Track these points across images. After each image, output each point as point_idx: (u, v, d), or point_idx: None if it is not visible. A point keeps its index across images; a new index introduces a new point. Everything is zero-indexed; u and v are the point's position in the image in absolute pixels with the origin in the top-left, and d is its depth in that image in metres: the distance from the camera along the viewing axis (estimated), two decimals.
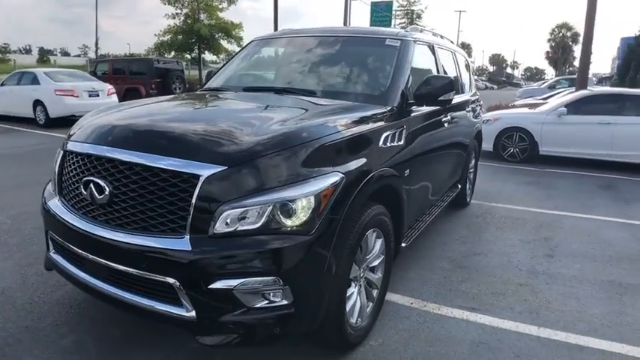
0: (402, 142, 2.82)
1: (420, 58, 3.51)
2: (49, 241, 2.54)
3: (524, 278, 3.59)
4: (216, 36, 17.18)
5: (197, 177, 1.88)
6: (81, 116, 3.16)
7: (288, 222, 1.90)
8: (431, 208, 3.92)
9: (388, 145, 2.64)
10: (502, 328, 2.86)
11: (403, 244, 3.06)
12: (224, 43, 17.96)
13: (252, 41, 4.12)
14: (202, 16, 17.06)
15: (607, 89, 8.97)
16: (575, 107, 8.09)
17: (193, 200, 1.87)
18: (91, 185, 2.09)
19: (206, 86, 3.78)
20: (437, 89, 3.00)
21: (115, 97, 12.55)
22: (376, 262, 2.64)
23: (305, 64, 3.49)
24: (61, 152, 2.48)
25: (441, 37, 4.56)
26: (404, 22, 52.96)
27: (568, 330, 2.86)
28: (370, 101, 2.90)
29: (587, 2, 12.54)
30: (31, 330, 2.68)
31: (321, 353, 2.50)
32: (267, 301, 1.91)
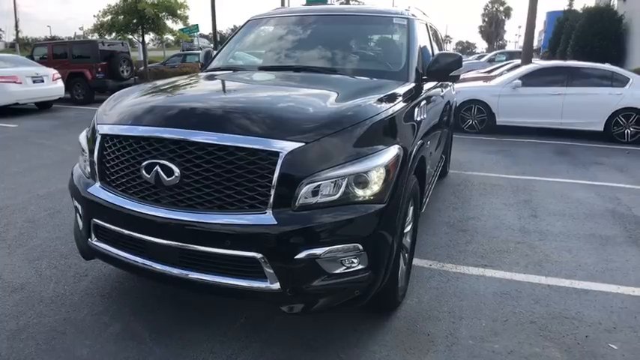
0: (424, 116, 3.02)
1: (421, 36, 3.70)
2: (92, 230, 2.46)
3: (519, 237, 3.97)
4: (161, 15, 16.35)
5: (277, 154, 1.96)
6: (25, 104, 3.05)
7: (363, 192, 2.03)
8: (433, 177, 4.19)
9: (419, 118, 2.84)
10: (516, 280, 3.20)
11: (422, 211, 3.29)
12: (169, 23, 17.17)
13: (249, 20, 4.10)
14: None
15: (557, 62, 9.70)
16: (528, 79, 8.71)
17: (275, 176, 1.94)
18: (157, 168, 2.07)
19: (212, 66, 3.71)
20: (448, 65, 3.19)
21: (60, 83, 11.76)
22: (408, 228, 2.85)
23: (317, 42, 3.55)
24: (99, 137, 2.40)
25: (423, 13, 4.77)
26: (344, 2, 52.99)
27: (571, 277, 3.25)
28: (391, 78, 3.05)
29: None
30: (71, 322, 2.64)
31: (366, 316, 2.68)
32: (345, 267, 2.05)
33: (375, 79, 2.98)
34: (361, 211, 2.02)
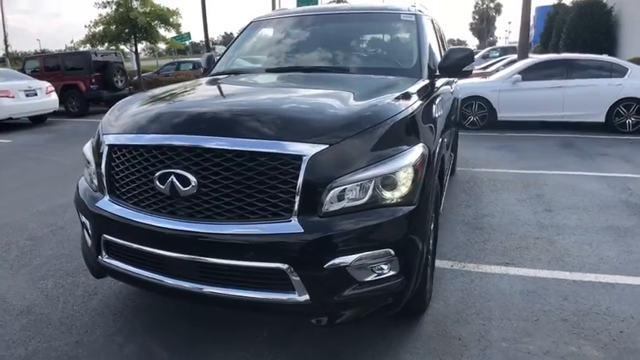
0: (440, 113, 2.94)
1: (429, 32, 3.62)
2: (102, 246, 2.33)
3: (536, 232, 3.88)
4: (153, 24, 16.23)
5: (300, 157, 1.85)
6: (18, 119, 2.94)
7: (391, 194, 1.93)
8: (447, 175, 4.11)
9: (436, 115, 2.75)
10: (540, 277, 3.11)
11: (440, 209, 3.20)
12: (161, 31, 17.04)
13: (252, 22, 4.00)
14: (135, 4, 16.04)
15: (556, 55, 9.67)
16: (528, 74, 8.66)
17: (300, 182, 1.84)
18: (173, 178, 1.96)
19: (216, 71, 3.61)
20: (460, 60, 3.11)
21: (54, 95, 11.59)
22: (430, 228, 2.76)
23: (324, 42, 3.47)
24: (106, 148, 2.28)
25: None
26: (332, 1, 53.13)
27: (595, 272, 3.17)
28: (404, 75, 2.96)
29: None
30: (83, 344, 2.52)
31: (394, 322, 2.58)
32: (375, 274, 1.95)
33: (388, 77, 2.89)
34: (391, 214, 1.92)
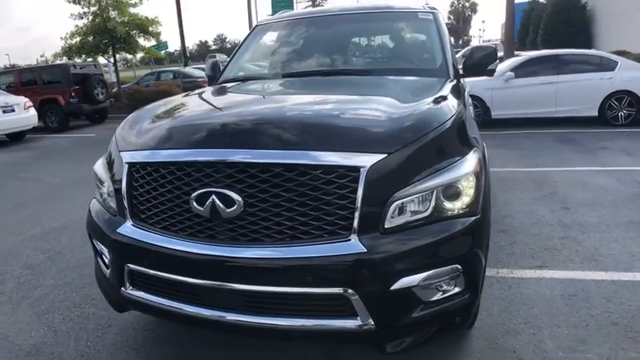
0: (472, 114, 2.82)
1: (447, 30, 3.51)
2: (126, 277, 2.08)
3: (560, 231, 3.80)
4: (132, 33, 15.85)
5: (357, 169, 1.68)
6: None
7: (453, 205, 1.78)
8: None
9: (473, 116, 2.62)
10: (578, 279, 3.00)
11: None
12: (141, 40, 16.66)
13: (257, 26, 3.82)
14: (113, 14, 15.64)
15: (546, 52, 9.73)
16: (520, 71, 8.69)
17: (359, 195, 1.66)
18: (214, 198, 1.76)
19: (226, 77, 3.40)
20: (484, 58, 3.00)
21: (33, 111, 11.15)
22: None
23: (339, 44, 3.31)
24: (125, 167, 2.03)
25: None
26: (309, 5, 53.29)
27: (630, 270, 3.09)
28: (432, 75, 2.83)
29: None
30: None
31: (441, 340, 2.42)
32: (441, 293, 1.79)
33: (420, 79, 2.75)
34: (458, 226, 1.76)
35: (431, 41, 3.12)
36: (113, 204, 2.13)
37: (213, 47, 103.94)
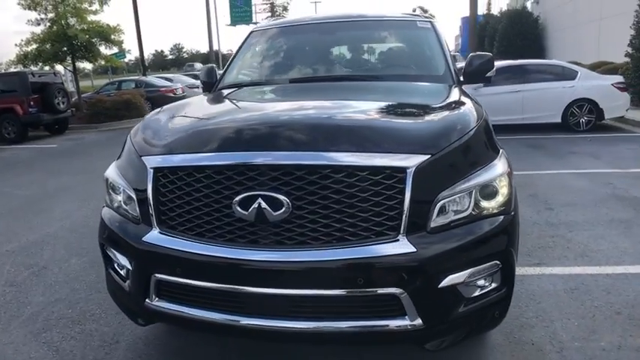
0: None
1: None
2: (152, 288, 1.97)
3: (549, 230, 3.99)
4: (93, 41, 15.30)
5: (403, 170, 1.71)
6: None
7: (489, 204, 1.85)
8: None
9: None
10: (576, 274, 3.16)
11: None
12: (102, 48, 16.11)
13: (253, 32, 3.78)
14: (72, 21, 15.07)
15: (512, 62, 10.20)
16: None
17: (407, 196, 1.69)
18: (260, 201, 1.72)
19: (228, 82, 3.33)
20: (482, 66, 3.13)
21: None
22: None
23: (346, 50, 3.35)
24: (150, 172, 1.94)
25: None
26: (270, 17, 53.38)
27: (621, 264, 3.29)
28: (439, 81, 2.92)
29: None
30: None
31: None
32: (479, 289, 1.84)
33: (431, 84, 2.83)
34: (496, 224, 1.83)
35: (433, 49, 3.22)
36: (134, 211, 2.04)
37: (170, 57, 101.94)
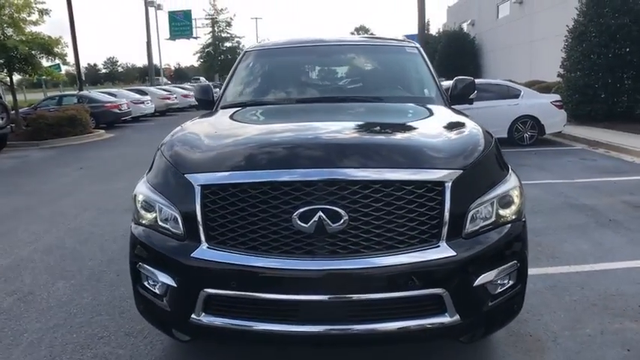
0: None
1: None
2: (199, 303, 2.02)
3: None
4: (33, 53, 14.49)
5: (442, 183, 1.96)
6: None
7: (505, 212, 2.14)
8: None
9: None
10: (551, 273, 3.57)
11: None
12: (43, 61, 15.28)
13: (248, 52, 3.90)
14: (9, 31, 14.21)
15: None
16: None
17: (446, 207, 1.93)
18: (321, 214, 1.87)
19: (231, 101, 3.42)
20: (466, 89, 3.49)
21: None
22: None
23: (344, 73, 3.59)
24: (197, 189, 2.01)
25: None
26: (213, 31, 52.82)
27: (586, 263, 3.75)
28: (431, 103, 3.23)
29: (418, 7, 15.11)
30: None
31: None
32: (501, 286, 2.11)
33: (434, 105, 3.12)
34: (516, 229, 2.13)
35: (423, 72, 3.54)
36: (175, 228, 2.09)
37: (104, 71, 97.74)
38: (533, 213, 5.08)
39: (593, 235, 4.36)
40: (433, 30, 29.49)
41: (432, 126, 2.50)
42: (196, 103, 3.65)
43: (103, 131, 15.85)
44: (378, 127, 2.58)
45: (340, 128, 2.47)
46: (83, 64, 23.56)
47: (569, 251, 4.01)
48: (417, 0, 15.82)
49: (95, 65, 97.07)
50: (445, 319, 1.96)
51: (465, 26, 25.83)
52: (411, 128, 2.57)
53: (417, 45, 3.82)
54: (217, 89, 4.02)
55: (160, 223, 2.16)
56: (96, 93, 20.68)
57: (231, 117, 2.93)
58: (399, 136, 2.34)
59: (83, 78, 24.16)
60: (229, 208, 1.99)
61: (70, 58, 19.69)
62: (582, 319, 2.89)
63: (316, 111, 3.10)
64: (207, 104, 3.56)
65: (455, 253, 1.93)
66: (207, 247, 2.01)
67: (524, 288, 2.26)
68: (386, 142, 2.26)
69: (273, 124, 2.75)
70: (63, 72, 22.95)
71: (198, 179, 2.05)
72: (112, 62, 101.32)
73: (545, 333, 2.75)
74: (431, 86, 3.44)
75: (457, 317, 1.96)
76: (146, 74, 53.94)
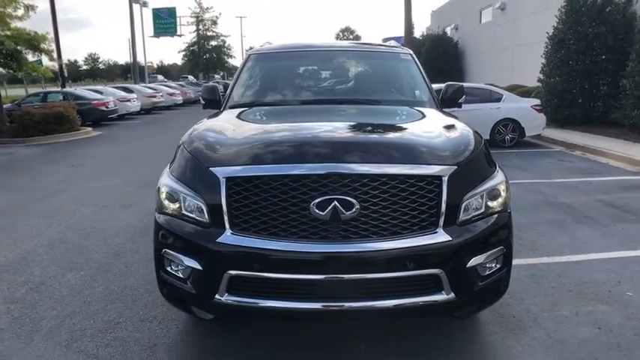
0: None
1: None
2: (223, 284, 2.25)
3: None
4: (19, 48, 14.34)
5: (440, 178, 2.24)
6: None
7: (492, 203, 2.43)
8: None
9: None
10: (531, 264, 3.90)
11: None
12: (29, 57, 15.12)
13: (251, 55, 4.14)
14: None
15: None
16: None
17: (443, 198, 2.22)
18: (336, 204, 2.13)
19: (238, 102, 3.65)
20: (455, 93, 3.79)
21: None
22: None
23: (346, 76, 3.87)
24: (222, 181, 2.23)
25: None
26: (198, 30, 52.49)
27: (564, 254, 4.10)
28: (425, 106, 3.52)
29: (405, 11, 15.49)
30: None
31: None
32: (489, 269, 2.40)
33: (427, 108, 3.40)
34: (503, 219, 2.43)
35: (417, 77, 3.84)
36: (200, 217, 2.32)
37: (85, 67, 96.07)
38: (514, 210, 5.36)
39: (569, 230, 4.73)
40: (417, 33, 29.99)
41: (429, 127, 2.80)
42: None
43: (90, 129, 15.78)
44: (382, 128, 2.88)
45: (355, 129, 2.76)
46: (63, 60, 23.19)
47: (547, 244, 4.35)
48: (403, 3, 16.28)
49: (75, 62, 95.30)
50: (442, 297, 2.25)
51: (448, 30, 26.42)
52: (411, 128, 2.86)
53: (411, 52, 4.11)
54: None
55: (185, 212, 2.38)
56: (82, 90, 20.51)
57: (244, 116, 3.17)
58: (403, 136, 2.64)
59: (66, 74, 23.95)
60: (252, 198, 2.23)
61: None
62: (559, 303, 3.21)
63: (321, 112, 3.36)
64: (213, 104, 3.78)
65: (450, 239, 2.21)
66: (232, 234, 2.24)
67: (510, 271, 2.56)
68: (391, 140, 2.55)
69: (285, 124, 3.01)
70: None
71: (224, 172, 2.29)
72: (93, 59, 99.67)
73: (526, 314, 3.07)
74: (424, 90, 3.73)
75: (452, 295, 2.25)
76: (128, 71, 53.42)
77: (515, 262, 3.79)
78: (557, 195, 6.13)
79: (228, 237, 2.24)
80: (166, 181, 2.53)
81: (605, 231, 4.71)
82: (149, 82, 32.92)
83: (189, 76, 55.57)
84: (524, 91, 13.70)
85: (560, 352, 2.65)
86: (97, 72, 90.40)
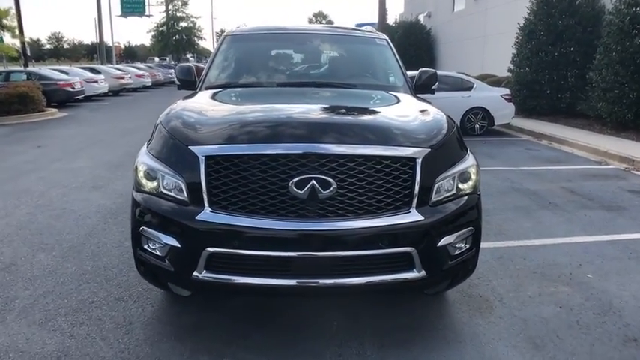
0: None
1: None
2: (201, 261, 2.27)
3: None
4: None
5: (414, 159, 2.32)
6: None
7: (464, 186, 2.54)
8: None
9: None
10: (498, 247, 4.08)
11: None
12: None
13: (227, 36, 4.09)
14: None
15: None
16: None
17: (417, 179, 2.30)
18: (314, 183, 2.17)
19: (216, 82, 3.61)
20: (429, 79, 3.87)
21: None
22: None
23: (321, 60, 3.88)
24: (202, 160, 2.24)
25: None
26: (167, 10, 50.96)
27: (528, 238, 4.30)
28: (400, 91, 3.59)
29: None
30: None
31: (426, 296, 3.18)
32: (458, 249, 2.51)
33: (401, 93, 3.47)
34: (472, 200, 2.55)
35: (392, 63, 3.90)
36: (179, 195, 2.32)
37: (48, 46, 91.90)
38: (483, 196, 5.55)
39: (534, 215, 4.95)
40: (390, 20, 30.00)
41: (404, 111, 2.88)
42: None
43: (55, 110, 15.22)
44: (358, 111, 2.94)
45: (333, 111, 2.81)
46: (26, 38, 22.13)
47: (513, 228, 4.55)
48: None
49: (38, 40, 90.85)
50: (414, 274, 2.35)
51: (421, 17, 26.51)
52: (387, 112, 2.93)
53: (386, 37, 4.16)
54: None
55: (163, 190, 2.39)
56: (47, 70, 19.67)
57: (222, 97, 3.17)
58: (379, 119, 2.70)
59: (29, 53, 22.87)
60: (232, 177, 2.26)
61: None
62: (524, 284, 3.39)
63: (299, 94, 3.39)
64: (189, 84, 3.73)
65: (423, 218, 2.31)
66: (210, 211, 2.26)
67: (478, 251, 2.69)
68: (368, 123, 2.61)
69: (264, 105, 3.01)
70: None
71: (203, 151, 2.30)
72: (57, 38, 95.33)
73: (492, 294, 3.23)
74: (399, 76, 3.80)
75: (423, 272, 2.35)
76: (94, 52, 51.43)
77: (482, 245, 3.96)
78: (523, 182, 6.38)
79: (207, 214, 2.26)
80: (144, 160, 2.52)
81: (568, 217, 4.95)
82: (104, 64, 31.71)
83: (155, 59, 53.99)
84: (494, 81, 14.00)
85: (524, 329, 2.82)
86: (61, 52, 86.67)
